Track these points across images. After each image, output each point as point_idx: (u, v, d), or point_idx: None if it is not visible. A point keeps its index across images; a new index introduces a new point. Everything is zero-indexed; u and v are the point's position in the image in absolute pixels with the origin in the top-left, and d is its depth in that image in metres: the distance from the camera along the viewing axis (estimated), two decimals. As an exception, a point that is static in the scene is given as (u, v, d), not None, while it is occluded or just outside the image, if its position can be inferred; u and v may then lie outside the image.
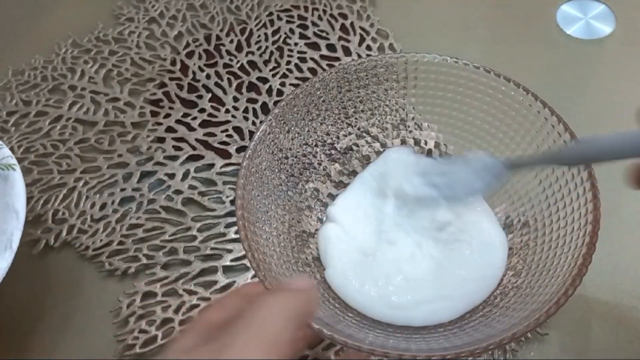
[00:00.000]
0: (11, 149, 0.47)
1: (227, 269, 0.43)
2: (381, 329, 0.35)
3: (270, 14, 0.59)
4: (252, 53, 0.56)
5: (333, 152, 0.43)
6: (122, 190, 0.48)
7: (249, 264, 0.43)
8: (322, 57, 0.55)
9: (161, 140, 0.51)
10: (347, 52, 0.55)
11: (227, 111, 0.52)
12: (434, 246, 0.39)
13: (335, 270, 0.38)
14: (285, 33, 0.57)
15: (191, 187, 0.47)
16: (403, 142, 0.44)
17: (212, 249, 0.44)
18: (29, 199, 0.44)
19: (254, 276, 0.42)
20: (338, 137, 0.43)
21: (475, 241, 0.39)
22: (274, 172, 0.39)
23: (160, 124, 0.52)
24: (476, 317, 0.35)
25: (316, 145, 0.42)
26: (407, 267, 0.38)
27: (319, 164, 0.42)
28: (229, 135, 0.50)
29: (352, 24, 0.58)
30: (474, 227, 0.39)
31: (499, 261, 0.38)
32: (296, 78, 0.54)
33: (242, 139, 0.50)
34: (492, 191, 0.38)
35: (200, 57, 0.56)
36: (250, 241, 0.33)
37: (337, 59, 0.55)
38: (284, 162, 0.40)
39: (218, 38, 0.58)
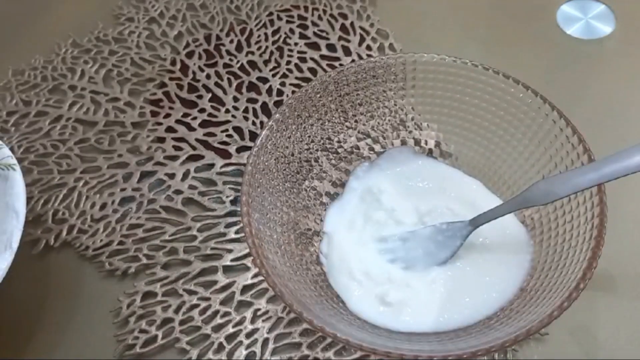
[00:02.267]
0: (11, 149, 0.47)
1: (227, 269, 0.43)
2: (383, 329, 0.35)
3: (270, 14, 0.59)
4: (252, 53, 0.56)
5: (334, 154, 0.43)
6: (122, 190, 0.47)
7: (249, 263, 0.43)
8: (322, 57, 0.55)
9: (161, 140, 0.51)
10: (347, 52, 0.55)
11: (227, 111, 0.52)
12: (441, 253, 0.39)
13: (339, 274, 0.38)
14: (285, 33, 0.57)
15: (191, 187, 0.47)
16: (403, 143, 0.44)
17: (212, 249, 0.44)
18: (29, 199, 0.43)
19: (254, 275, 0.42)
20: (338, 140, 0.43)
21: (495, 244, 0.38)
22: (276, 174, 0.39)
23: (160, 124, 0.52)
24: (480, 321, 0.35)
25: (317, 150, 0.42)
26: (414, 281, 0.38)
27: (320, 166, 0.42)
28: (229, 135, 0.50)
29: (352, 24, 0.58)
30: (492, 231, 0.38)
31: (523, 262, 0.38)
32: (296, 78, 0.54)
33: (242, 139, 0.50)
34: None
35: (200, 57, 0.56)
36: (255, 237, 0.33)
37: (337, 59, 0.55)
38: (285, 165, 0.40)
39: (218, 38, 0.58)
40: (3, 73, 0.56)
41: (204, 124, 0.51)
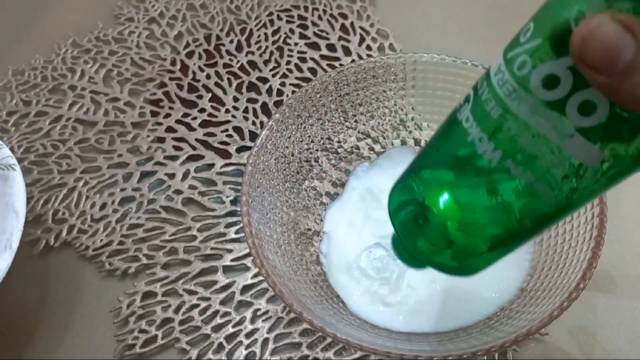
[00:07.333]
0: (11, 149, 0.47)
1: (227, 269, 0.43)
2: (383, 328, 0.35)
3: (270, 14, 0.59)
4: (252, 53, 0.56)
5: (334, 154, 0.43)
6: (122, 190, 0.47)
7: (249, 263, 0.43)
8: (322, 57, 0.55)
9: (161, 140, 0.51)
10: (347, 52, 0.55)
11: (227, 111, 0.52)
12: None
13: (338, 274, 0.38)
14: (285, 33, 0.57)
15: (191, 187, 0.47)
16: (403, 143, 0.44)
17: (212, 248, 0.44)
18: (29, 199, 0.44)
19: (254, 275, 0.42)
20: (338, 140, 0.43)
21: None
22: (276, 174, 0.39)
23: (160, 124, 0.52)
24: (480, 321, 0.35)
25: (317, 150, 0.42)
26: (414, 281, 0.38)
27: (320, 166, 0.42)
28: (229, 135, 0.50)
29: (352, 24, 0.58)
30: None
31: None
32: (296, 78, 0.54)
33: (242, 139, 0.50)
34: None
35: (200, 57, 0.56)
36: (255, 237, 0.33)
37: (337, 59, 0.55)
38: (285, 165, 0.40)
39: (218, 38, 0.58)
40: (3, 73, 0.57)
41: (204, 124, 0.51)
